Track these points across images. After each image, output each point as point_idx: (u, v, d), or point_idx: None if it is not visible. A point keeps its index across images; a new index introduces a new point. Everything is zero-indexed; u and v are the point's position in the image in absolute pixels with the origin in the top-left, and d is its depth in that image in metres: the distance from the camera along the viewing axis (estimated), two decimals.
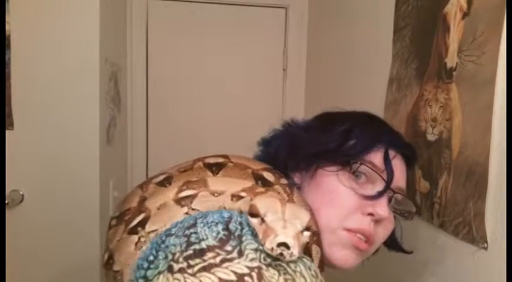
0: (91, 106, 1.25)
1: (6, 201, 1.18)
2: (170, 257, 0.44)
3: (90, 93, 1.25)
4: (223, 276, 0.40)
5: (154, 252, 0.47)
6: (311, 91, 1.78)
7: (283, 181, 0.58)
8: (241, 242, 0.45)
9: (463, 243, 0.71)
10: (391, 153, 0.60)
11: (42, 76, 1.22)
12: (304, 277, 0.45)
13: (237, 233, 0.46)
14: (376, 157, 0.59)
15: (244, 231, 0.47)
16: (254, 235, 0.46)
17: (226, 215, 0.50)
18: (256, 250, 0.44)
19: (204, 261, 0.42)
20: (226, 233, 0.45)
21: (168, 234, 0.48)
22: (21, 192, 1.23)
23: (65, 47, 1.23)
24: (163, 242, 0.47)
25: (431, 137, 0.81)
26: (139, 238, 0.51)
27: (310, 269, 0.46)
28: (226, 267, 0.41)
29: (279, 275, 0.43)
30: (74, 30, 1.23)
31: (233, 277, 0.40)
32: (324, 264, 0.56)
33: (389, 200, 0.59)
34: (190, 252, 0.43)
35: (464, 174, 0.71)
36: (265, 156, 0.66)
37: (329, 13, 1.56)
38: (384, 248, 0.67)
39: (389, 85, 1.00)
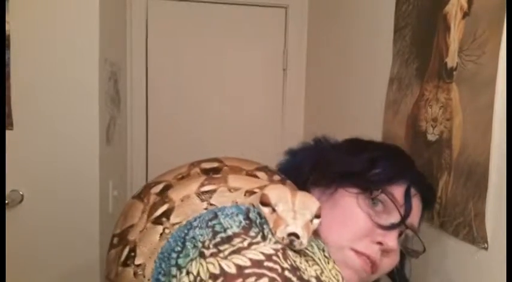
0: (91, 106, 1.25)
1: (6, 201, 1.18)
2: (200, 245, 0.45)
3: (90, 93, 1.25)
4: (253, 257, 0.42)
5: (180, 243, 0.48)
6: (311, 91, 1.78)
7: (276, 177, 0.59)
8: (263, 229, 0.47)
9: (463, 243, 0.71)
10: (412, 191, 0.61)
11: (42, 76, 1.22)
12: (319, 258, 0.49)
13: (258, 221, 0.48)
14: (397, 191, 0.60)
15: (263, 220, 0.49)
16: None
17: (243, 207, 0.51)
18: None
19: (233, 246, 0.44)
20: (247, 221, 0.48)
21: (189, 227, 0.49)
22: (20, 192, 1.23)
23: (64, 47, 1.23)
24: (186, 234, 0.49)
25: (431, 137, 0.81)
26: (163, 229, 0.51)
27: (324, 250, 0.51)
28: (254, 249, 0.43)
29: (300, 256, 0.46)
30: (73, 30, 1.23)
31: (262, 257, 0.42)
32: None
33: (400, 234, 0.60)
34: (218, 239, 0.45)
35: (465, 174, 0.71)
36: (288, 165, 0.68)
37: (329, 13, 1.56)
38: None
39: (390, 85, 1.00)
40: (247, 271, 0.41)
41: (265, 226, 0.47)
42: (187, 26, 1.77)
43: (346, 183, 0.60)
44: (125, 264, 0.52)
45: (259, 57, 1.82)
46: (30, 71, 1.22)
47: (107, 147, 1.38)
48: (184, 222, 0.51)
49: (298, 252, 0.46)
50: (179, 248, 0.47)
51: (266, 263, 0.42)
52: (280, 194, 0.48)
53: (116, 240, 0.55)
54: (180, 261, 0.46)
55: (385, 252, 0.58)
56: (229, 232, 0.45)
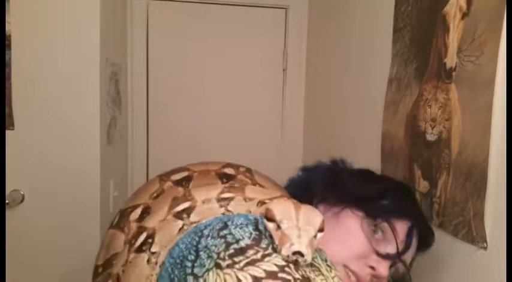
0: (91, 106, 1.25)
1: (7, 201, 1.19)
2: (215, 256, 0.47)
3: (91, 93, 1.25)
4: (268, 268, 0.45)
5: (193, 252, 0.49)
6: (311, 91, 1.78)
7: (242, 169, 0.62)
8: (272, 241, 0.48)
9: (462, 243, 0.72)
10: (414, 230, 0.65)
11: (43, 76, 1.23)
12: (323, 267, 0.50)
13: (267, 233, 0.49)
14: (400, 226, 0.63)
15: None
16: None
17: (251, 217, 0.53)
18: None
19: (247, 258, 0.46)
20: (257, 232, 0.49)
21: (200, 235, 0.51)
22: (21, 192, 1.23)
23: (65, 47, 1.23)
24: (198, 242, 0.50)
25: (430, 137, 0.82)
26: (183, 225, 0.54)
27: (326, 261, 0.52)
28: (268, 261, 0.46)
29: (308, 266, 0.48)
30: (74, 30, 1.23)
31: (276, 268, 0.45)
32: None
33: (391, 266, 0.63)
34: (232, 251, 0.47)
35: (464, 174, 0.71)
36: (300, 181, 0.71)
37: (329, 13, 1.57)
38: None
39: (389, 85, 1.00)
40: None
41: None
42: (187, 27, 1.77)
43: (354, 205, 0.63)
44: (140, 250, 0.53)
45: (259, 58, 1.83)
46: (31, 71, 1.22)
47: (108, 147, 1.38)
48: (195, 225, 0.53)
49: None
50: (193, 257, 0.49)
51: (280, 274, 0.44)
52: (285, 210, 0.49)
53: (100, 269, 0.59)
54: (196, 270, 0.47)
55: (374, 278, 0.61)
56: (242, 244, 0.47)
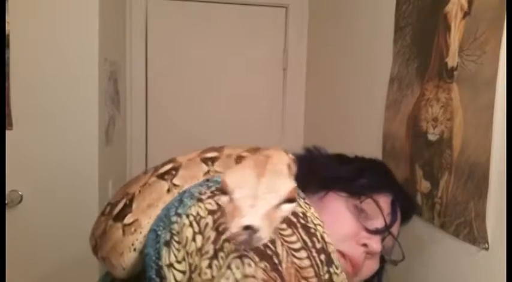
0: (90, 106, 1.25)
1: (5, 202, 1.18)
2: (197, 195, 0.49)
3: (89, 92, 1.25)
4: None
5: (176, 202, 0.51)
6: (311, 91, 1.78)
7: (227, 146, 0.62)
8: None
9: (464, 243, 0.71)
10: (397, 204, 0.65)
11: (41, 76, 1.22)
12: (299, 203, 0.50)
13: None
14: (383, 200, 0.64)
15: None
16: None
17: None
18: None
19: None
20: None
21: (184, 191, 0.53)
22: (20, 193, 1.23)
23: (63, 46, 1.22)
24: (182, 195, 0.52)
25: (432, 137, 0.81)
26: (208, 171, 0.56)
27: (304, 199, 0.51)
28: None
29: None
30: (73, 29, 1.23)
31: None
32: None
33: (382, 240, 0.63)
34: (213, 188, 0.49)
35: (466, 174, 0.71)
36: None
37: (329, 12, 1.56)
38: None
39: (390, 85, 1.00)
40: None
41: None
42: (187, 26, 1.77)
43: (337, 187, 0.63)
44: (167, 179, 0.56)
45: (260, 57, 1.82)
46: (30, 70, 1.21)
47: (107, 147, 1.37)
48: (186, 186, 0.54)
49: None
50: (176, 204, 0.50)
51: None
52: (241, 177, 0.40)
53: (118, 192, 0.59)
54: (180, 210, 0.48)
55: (368, 254, 0.61)
56: None
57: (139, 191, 0.56)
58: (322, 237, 0.49)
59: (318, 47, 1.69)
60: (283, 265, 0.45)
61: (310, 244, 0.47)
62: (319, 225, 0.50)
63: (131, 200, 0.55)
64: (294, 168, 0.51)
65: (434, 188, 0.80)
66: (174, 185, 0.55)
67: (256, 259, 0.44)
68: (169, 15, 1.75)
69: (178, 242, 0.46)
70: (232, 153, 0.57)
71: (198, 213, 0.46)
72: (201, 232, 0.45)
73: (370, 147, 1.07)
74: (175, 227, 0.47)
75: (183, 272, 0.45)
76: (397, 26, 0.99)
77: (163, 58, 1.76)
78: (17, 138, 1.21)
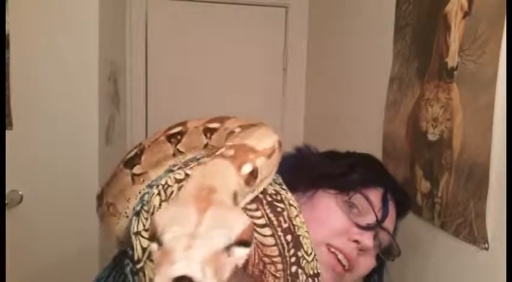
0: (90, 106, 1.25)
1: (5, 202, 1.18)
2: (170, 167, 0.49)
3: (89, 92, 1.25)
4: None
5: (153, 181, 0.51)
6: (311, 91, 1.77)
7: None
8: None
9: (464, 243, 0.71)
10: (388, 196, 0.64)
11: (41, 75, 1.22)
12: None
13: None
14: (374, 194, 0.63)
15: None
16: None
17: None
18: None
19: (200, 162, 0.47)
20: None
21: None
22: (20, 193, 1.22)
23: (63, 46, 1.22)
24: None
25: (432, 137, 0.81)
26: (207, 143, 0.55)
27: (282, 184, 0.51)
28: None
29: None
30: (73, 29, 1.23)
31: None
32: None
33: (374, 236, 0.62)
34: (187, 162, 0.49)
35: (466, 174, 0.71)
36: None
37: (329, 12, 1.56)
38: None
39: (390, 85, 1.00)
40: None
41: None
42: (187, 25, 1.77)
43: (325, 184, 0.63)
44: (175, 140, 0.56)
45: (259, 57, 1.82)
46: (30, 70, 1.21)
47: (107, 147, 1.37)
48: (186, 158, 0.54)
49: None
50: (152, 182, 0.50)
51: None
52: (177, 214, 0.30)
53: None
54: (153, 182, 0.49)
55: (361, 251, 0.60)
56: (199, 158, 0.49)
57: (149, 146, 0.57)
58: (290, 219, 0.47)
59: (318, 47, 1.69)
60: None
61: (275, 223, 0.45)
62: (294, 207, 0.49)
63: (142, 152, 0.56)
64: (279, 152, 0.48)
65: (434, 188, 0.79)
66: (179, 151, 0.56)
67: None
68: (169, 15, 1.75)
69: (147, 211, 0.45)
70: (229, 127, 0.55)
71: (166, 183, 0.45)
72: (166, 200, 0.44)
73: (370, 148, 1.06)
74: (146, 197, 0.47)
75: None
76: (397, 26, 0.99)
77: (163, 58, 1.76)
78: (16, 138, 1.21)
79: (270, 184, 0.49)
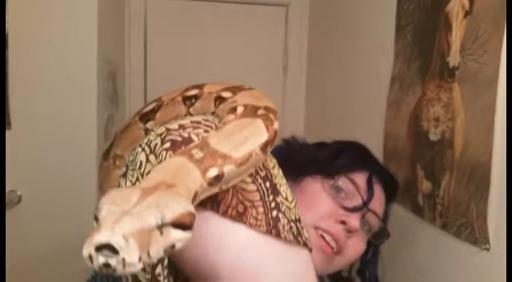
0: (88, 105, 1.24)
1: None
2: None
3: (88, 92, 1.24)
4: (194, 119, 0.48)
5: None
6: (311, 91, 1.77)
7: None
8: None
9: (465, 244, 0.71)
10: (374, 179, 0.65)
11: (39, 75, 1.21)
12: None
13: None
14: (359, 178, 0.64)
15: None
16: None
17: None
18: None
19: (180, 120, 0.47)
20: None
21: None
22: (18, 193, 1.22)
23: (62, 46, 1.22)
24: None
25: (433, 137, 0.81)
26: (188, 111, 0.55)
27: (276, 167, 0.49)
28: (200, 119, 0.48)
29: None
30: (71, 28, 1.22)
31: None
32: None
33: (362, 217, 0.63)
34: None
35: (467, 174, 0.70)
36: None
37: (330, 11, 1.56)
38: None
39: (392, 84, 1.00)
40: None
41: None
42: (186, 25, 1.76)
43: (312, 171, 0.65)
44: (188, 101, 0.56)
45: (260, 56, 1.82)
46: (28, 70, 1.21)
47: (105, 146, 1.37)
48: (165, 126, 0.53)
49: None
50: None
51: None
52: (125, 193, 0.31)
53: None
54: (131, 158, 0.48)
55: (349, 233, 0.61)
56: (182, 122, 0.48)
57: (167, 104, 0.56)
58: (266, 168, 0.47)
59: (319, 46, 1.69)
60: None
61: (254, 171, 0.45)
62: (270, 162, 0.49)
63: (159, 107, 0.56)
64: (263, 154, 0.44)
65: (435, 188, 0.79)
66: (190, 114, 0.55)
67: None
68: (168, 14, 1.75)
69: (132, 169, 0.45)
70: (237, 101, 0.53)
71: (149, 139, 0.45)
72: (152, 152, 0.43)
73: (371, 147, 1.06)
74: (130, 158, 0.47)
75: None
76: (398, 25, 0.98)
77: (162, 57, 1.75)
78: (15, 138, 1.20)
79: None
